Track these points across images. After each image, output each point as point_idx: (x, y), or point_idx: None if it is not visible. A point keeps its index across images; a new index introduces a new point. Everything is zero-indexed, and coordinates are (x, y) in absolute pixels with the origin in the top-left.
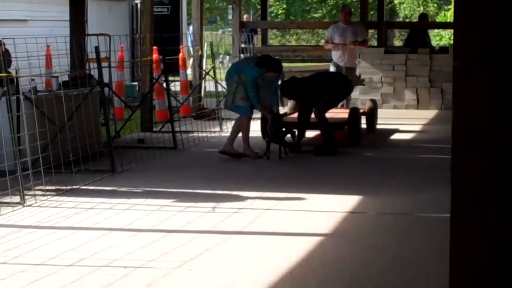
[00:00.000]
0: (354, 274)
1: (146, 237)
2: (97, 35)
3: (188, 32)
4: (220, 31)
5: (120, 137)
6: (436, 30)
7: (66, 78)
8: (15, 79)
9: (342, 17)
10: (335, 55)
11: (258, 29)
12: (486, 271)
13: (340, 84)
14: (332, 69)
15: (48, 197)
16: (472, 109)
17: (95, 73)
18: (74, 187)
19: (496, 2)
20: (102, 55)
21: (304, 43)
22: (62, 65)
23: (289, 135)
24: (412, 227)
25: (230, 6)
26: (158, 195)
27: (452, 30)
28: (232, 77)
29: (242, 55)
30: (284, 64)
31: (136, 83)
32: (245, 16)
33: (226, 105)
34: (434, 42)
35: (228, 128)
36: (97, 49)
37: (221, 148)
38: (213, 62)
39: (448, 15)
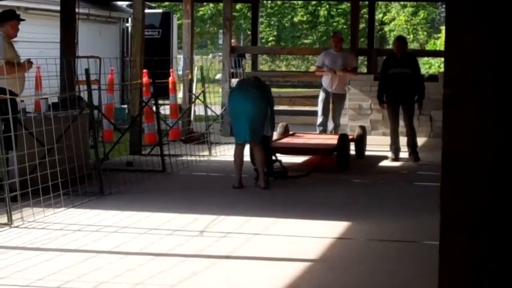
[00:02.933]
0: None
1: (134, 260)
2: (87, 57)
3: (179, 56)
4: (210, 56)
5: (109, 159)
6: (425, 58)
7: (55, 99)
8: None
9: (333, 44)
10: (325, 81)
11: (247, 54)
12: None
13: None
14: (321, 95)
15: (36, 218)
16: (461, 136)
17: (84, 95)
18: (62, 209)
19: (485, 30)
20: (92, 77)
21: (294, 69)
22: (52, 86)
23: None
24: (400, 254)
25: (221, 31)
26: (146, 218)
27: (441, 59)
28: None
29: (233, 80)
30: (274, 90)
31: (125, 106)
32: (232, 40)
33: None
34: (424, 70)
35: (217, 152)
36: (87, 71)
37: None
38: (203, 86)
39: (438, 43)
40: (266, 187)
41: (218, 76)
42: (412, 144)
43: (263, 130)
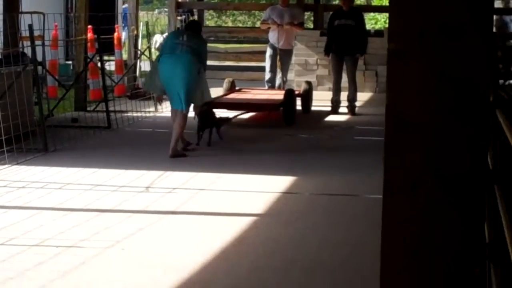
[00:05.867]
0: (287, 254)
1: (79, 216)
2: (31, 13)
3: (122, 12)
4: (156, 11)
5: (54, 116)
6: (372, 14)
7: None
8: None
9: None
10: (272, 36)
11: (194, 10)
12: (416, 249)
13: None
14: (269, 51)
15: None
16: (405, 90)
17: (28, 51)
18: (6, 166)
19: None
20: (36, 33)
21: (240, 25)
22: None
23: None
24: (345, 208)
25: None
26: (91, 174)
27: (387, 14)
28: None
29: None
30: (220, 46)
31: (70, 62)
32: None
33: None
34: (370, 25)
35: (163, 108)
36: (30, 27)
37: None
38: (149, 42)
39: None
40: (173, 155)
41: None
42: (351, 98)
43: (196, 95)
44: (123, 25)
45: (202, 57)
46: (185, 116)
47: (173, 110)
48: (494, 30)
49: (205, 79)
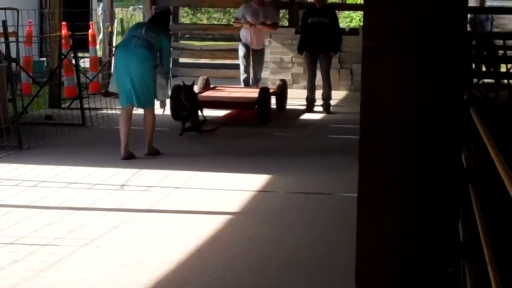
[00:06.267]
0: (262, 252)
1: (53, 214)
2: (4, 9)
3: (98, 9)
4: (131, 8)
5: (28, 113)
6: (346, 12)
7: None
8: None
9: None
10: (244, 35)
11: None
12: (390, 247)
13: None
14: (241, 48)
15: None
16: (380, 88)
17: (2, 47)
18: None
19: None
20: (10, 29)
21: (215, 22)
22: None
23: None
24: (320, 206)
25: None
26: (65, 172)
27: (362, 12)
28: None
29: None
30: (195, 43)
31: (44, 58)
32: None
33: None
34: (345, 23)
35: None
36: (4, 23)
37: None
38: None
39: None
40: (149, 153)
41: None
42: (326, 96)
43: (154, 93)
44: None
45: (162, 51)
46: (152, 113)
47: (123, 110)
48: (468, 28)
49: (166, 75)
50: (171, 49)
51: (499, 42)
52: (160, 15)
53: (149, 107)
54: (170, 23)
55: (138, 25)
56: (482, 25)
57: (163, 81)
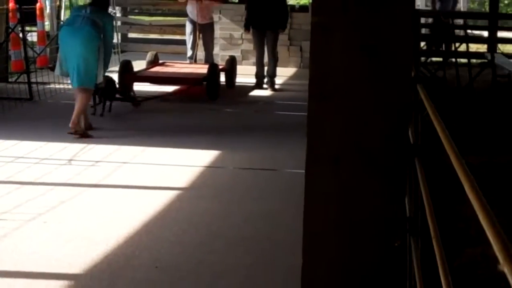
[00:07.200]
0: (211, 227)
1: (0, 188)
2: None
3: None
4: None
5: None
6: None
7: None
8: None
9: None
10: (191, 11)
11: None
12: (337, 223)
13: None
14: (188, 25)
15: None
16: (328, 63)
17: None
18: None
19: None
20: None
21: None
22: None
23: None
24: (269, 182)
25: None
26: (12, 146)
27: None
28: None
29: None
30: (145, 18)
31: None
32: None
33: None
34: (294, 1)
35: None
36: None
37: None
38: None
39: None
40: (75, 131)
41: None
42: (271, 74)
43: (96, 73)
44: None
45: (106, 33)
46: (87, 92)
47: (76, 90)
48: (437, 7)
49: (107, 57)
50: (117, 28)
51: (459, 21)
52: None
53: (88, 87)
54: None
55: (81, 6)
56: (447, 4)
57: (101, 64)
